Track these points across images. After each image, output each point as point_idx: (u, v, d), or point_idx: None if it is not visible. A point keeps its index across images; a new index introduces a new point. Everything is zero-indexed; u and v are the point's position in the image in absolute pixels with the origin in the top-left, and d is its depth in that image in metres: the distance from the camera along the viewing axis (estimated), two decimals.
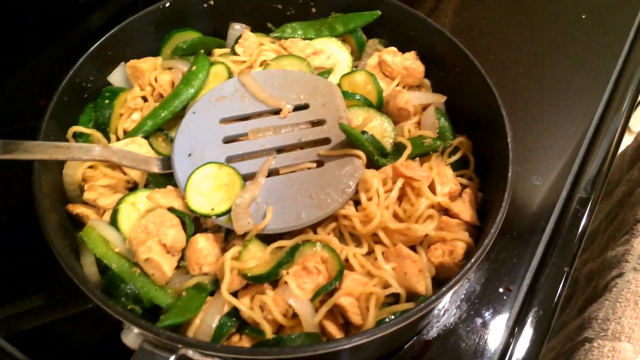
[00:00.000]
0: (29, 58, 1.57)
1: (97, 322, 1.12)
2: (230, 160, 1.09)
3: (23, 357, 1.07)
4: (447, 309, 1.12)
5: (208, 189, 1.03)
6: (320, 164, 1.09)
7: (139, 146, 1.13)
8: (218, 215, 1.00)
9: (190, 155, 1.08)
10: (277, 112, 1.16)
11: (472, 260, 0.89)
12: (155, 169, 1.08)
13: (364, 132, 1.11)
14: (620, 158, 1.95)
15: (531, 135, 1.40)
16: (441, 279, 1.02)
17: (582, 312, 1.53)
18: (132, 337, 0.82)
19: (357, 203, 1.06)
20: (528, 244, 1.21)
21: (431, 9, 1.73)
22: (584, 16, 1.67)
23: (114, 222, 1.01)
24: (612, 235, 1.69)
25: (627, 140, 1.93)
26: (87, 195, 1.06)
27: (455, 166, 1.16)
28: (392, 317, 0.92)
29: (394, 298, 0.99)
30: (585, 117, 1.42)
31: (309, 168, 1.08)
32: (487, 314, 1.11)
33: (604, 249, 1.67)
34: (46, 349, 1.11)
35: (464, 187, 1.13)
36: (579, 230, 1.21)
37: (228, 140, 1.12)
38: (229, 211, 1.00)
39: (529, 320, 1.12)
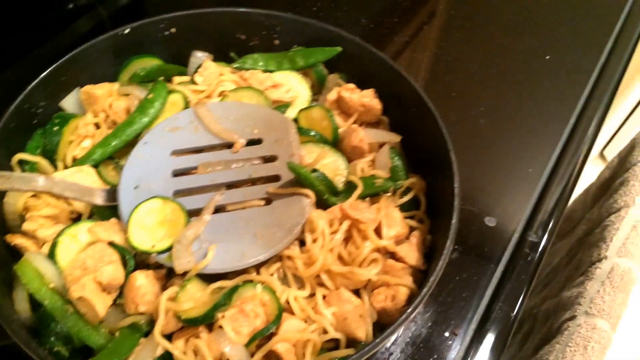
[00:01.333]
0: None
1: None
2: (177, 194, 1.07)
3: None
4: (391, 352, 1.11)
5: (151, 224, 1.01)
6: (268, 201, 1.08)
7: (86, 175, 1.11)
8: (159, 252, 0.98)
9: (136, 187, 1.07)
10: (230, 145, 1.15)
11: (409, 310, 0.89)
12: (99, 200, 1.06)
13: (314, 170, 1.11)
14: (584, 195, 1.98)
15: (487, 175, 1.40)
16: (383, 324, 1.02)
17: (536, 352, 1.53)
18: None
19: (303, 243, 1.05)
20: (477, 286, 1.20)
21: (396, 43, 1.74)
22: (547, 57, 1.70)
23: (52, 255, 0.99)
24: (570, 274, 1.71)
25: (593, 175, 1.95)
26: (26, 226, 1.03)
27: (407, 207, 1.16)
28: None
29: (335, 343, 0.98)
30: (543, 159, 1.43)
31: (258, 205, 1.07)
32: (431, 359, 1.10)
33: (561, 288, 1.68)
34: None
35: (413, 229, 1.12)
36: (528, 275, 1.21)
37: (178, 173, 1.11)
38: (170, 248, 0.99)
39: None
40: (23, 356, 0.99)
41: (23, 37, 1.60)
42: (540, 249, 1.25)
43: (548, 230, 1.28)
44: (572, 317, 1.44)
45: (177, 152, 1.14)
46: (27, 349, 0.81)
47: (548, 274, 1.97)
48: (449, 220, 1.01)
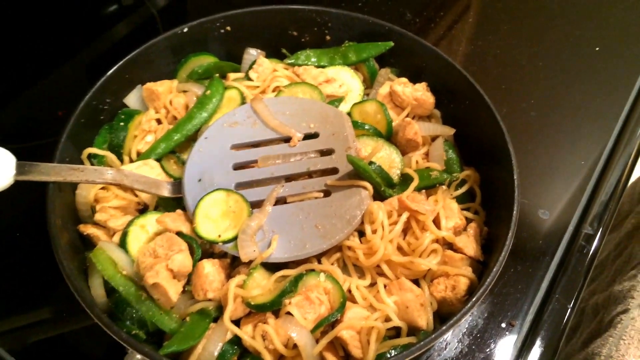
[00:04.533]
0: (48, 71, 1.60)
1: (103, 337, 1.13)
2: (239, 186, 1.11)
3: None
4: (448, 342, 1.12)
5: (216, 215, 1.05)
6: (327, 193, 1.10)
7: (150, 168, 1.16)
8: (224, 242, 1.02)
9: (200, 180, 1.10)
10: (287, 139, 1.18)
11: (474, 300, 0.90)
12: (166, 192, 1.10)
13: (371, 163, 1.13)
14: (632, 189, 1.94)
15: (539, 168, 1.40)
16: (443, 313, 1.03)
17: (586, 346, 1.52)
18: None
19: (362, 234, 1.07)
20: (532, 278, 1.21)
21: (443, 36, 1.74)
22: (597, 48, 1.68)
23: (123, 244, 1.03)
24: (620, 268, 1.68)
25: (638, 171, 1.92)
26: (98, 217, 1.08)
27: (462, 199, 1.17)
28: (393, 352, 0.93)
29: (396, 330, 1.00)
30: (595, 152, 1.42)
31: (316, 197, 1.10)
32: (488, 350, 1.11)
33: (611, 282, 1.66)
34: None
35: (469, 221, 1.13)
36: (584, 268, 1.21)
37: (238, 167, 1.14)
38: (235, 238, 1.02)
39: (531, 356, 1.11)
40: (102, 337, 1.05)
41: (77, 34, 1.66)
42: (596, 241, 1.24)
43: (603, 222, 1.27)
44: (625, 311, 1.43)
45: (237, 146, 1.17)
46: (110, 331, 0.85)
47: (595, 268, 1.94)
48: (508, 212, 1.02)
